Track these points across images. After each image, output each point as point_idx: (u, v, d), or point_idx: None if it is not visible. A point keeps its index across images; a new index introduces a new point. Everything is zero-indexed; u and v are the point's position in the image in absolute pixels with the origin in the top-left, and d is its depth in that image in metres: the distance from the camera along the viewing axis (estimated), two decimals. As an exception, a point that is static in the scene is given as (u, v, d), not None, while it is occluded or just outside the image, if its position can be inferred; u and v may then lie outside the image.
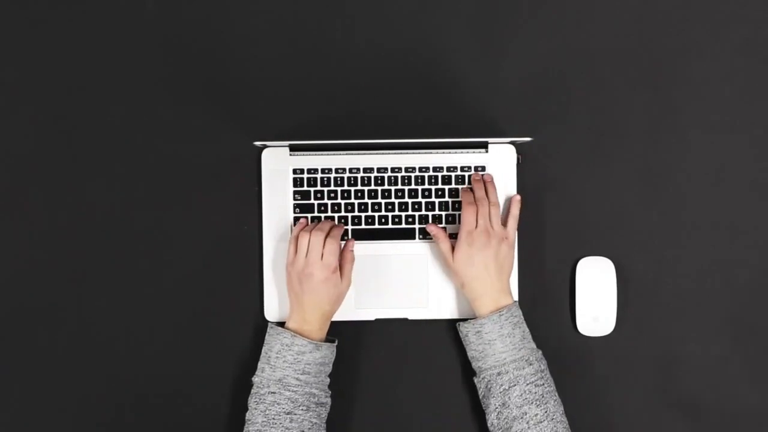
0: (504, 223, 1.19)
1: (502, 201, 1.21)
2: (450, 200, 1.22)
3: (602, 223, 1.24)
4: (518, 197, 1.20)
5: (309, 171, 1.22)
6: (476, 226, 1.15)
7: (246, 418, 1.13)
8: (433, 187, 1.22)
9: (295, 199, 1.22)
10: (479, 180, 1.20)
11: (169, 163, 1.23)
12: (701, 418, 1.23)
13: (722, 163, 1.24)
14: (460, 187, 1.22)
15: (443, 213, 1.22)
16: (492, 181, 1.20)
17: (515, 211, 1.20)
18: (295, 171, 1.22)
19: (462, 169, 1.22)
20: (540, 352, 1.15)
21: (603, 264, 1.23)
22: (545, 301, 1.24)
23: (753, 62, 1.24)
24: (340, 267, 1.16)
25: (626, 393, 1.23)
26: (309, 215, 1.22)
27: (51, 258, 1.23)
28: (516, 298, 1.21)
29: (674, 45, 1.24)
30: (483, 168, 1.22)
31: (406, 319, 1.23)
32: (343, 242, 1.19)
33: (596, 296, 1.22)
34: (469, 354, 1.16)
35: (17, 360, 1.23)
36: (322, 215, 1.22)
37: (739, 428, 1.23)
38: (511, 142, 1.22)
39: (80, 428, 1.23)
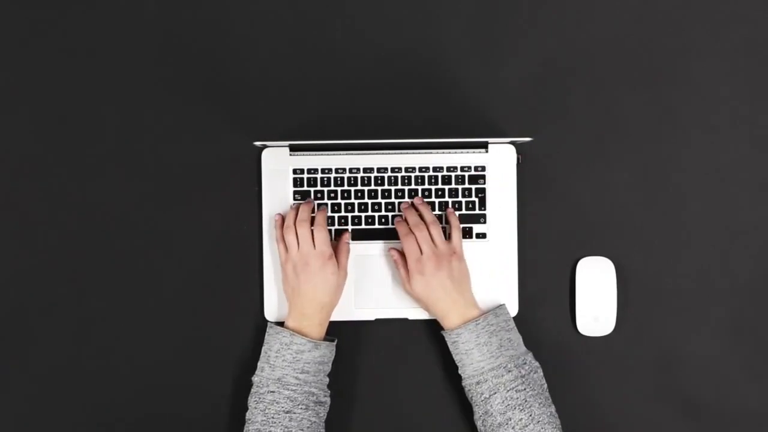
0: (448, 238, 1.19)
1: (502, 202, 1.21)
2: (450, 200, 1.22)
3: (602, 223, 1.24)
4: (451, 209, 1.20)
5: (309, 171, 1.22)
6: (422, 252, 1.15)
7: (246, 417, 1.13)
8: (433, 187, 1.22)
9: (295, 199, 1.22)
10: (408, 207, 1.20)
11: (169, 163, 1.24)
12: (701, 418, 1.23)
13: (722, 163, 1.24)
14: (460, 187, 1.22)
15: (443, 213, 1.22)
16: (422, 202, 1.20)
17: (455, 222, 1.19)
18: (295, 171, 1.22)
19: (462, 169, 1.22)
20: (526, 356, 1.13)
21: (603, 264, 1.23)
22: (545, 301, 1.24)
23: (753, 62, 1.24)
24: (337, 258, 1.17)
25: (626, 393, 1.23)
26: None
27: (51, 258, 1.23)
28: (516, 298, 1.21)
29: (674, 45, 1.24)
30: (483, 168, 1.22)
31: (406, 319, 1.23)
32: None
33: (596, 296, 1.22)
34: (454, 359, 1.17)
35: (17, 360, 1.23)
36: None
37: (739, 428, 1.23)
38: (511, 142, 1.22)
39: (80, 428, 1.23)
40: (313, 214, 1.19)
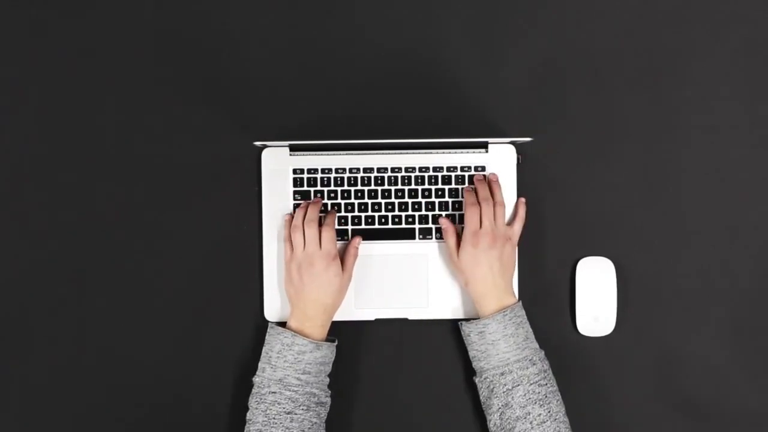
0: (510, 223, 1.19)
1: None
2: (450, 200, 1.22)
3: (602, 223, 1.24)
4: (524, 199, 1.21)
5: (309, 171, 1.22)
6: (480, 227, 1.15)
7: (247, 417, 1.13)
8: (433, 187, 1.22)
9: (295, 199, 1.22)
10: (482, 180, 1.20)
11: (170, 163, 1.23)
12: (701, 418, 1.23)
13: (722, 163, 1.24)
14: (461, 187, 1.22)
15: (443, 213, 1.22)
16: (497, 181, 1.20)
17: (522, 212, 1.20)
18: (295, 171, 1.22)
19: (462, 169, 1.22)
20: (542, 352, 1.15)
21: (603, 264, 1.23)
22: (545, 301, 1.24)
23: (753, 62, 1.24)
24: (343, 261, 1.17)
25: (626, 393, 1.23)
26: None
27: (51, 258, 1.23)
28: (516, 297, 1.21)
29: (674, 45, 1.24)
30: (483, 168, 1.22)
31: (406, 319, 1.23)
32: (344, 240, 1.20)
33: (596, 296, 1.22)
34: (471, 354, 1.16)
35: (17, 360, 1.23)
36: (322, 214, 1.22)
37: (739, 428, 1.23)
38: (511, 142, 1.22)
39: (80, 428, 1.23)
40: (321, 214, 1.19)
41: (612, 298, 1.22)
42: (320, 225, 1.17)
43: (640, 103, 1.24)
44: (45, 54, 1.24)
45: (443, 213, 1.22)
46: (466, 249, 1.16)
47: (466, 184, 1.22)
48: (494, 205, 1.17)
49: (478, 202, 1.17)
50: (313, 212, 1.17)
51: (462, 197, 1.21)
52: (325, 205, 1.22)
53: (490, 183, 1.20)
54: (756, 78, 1.24)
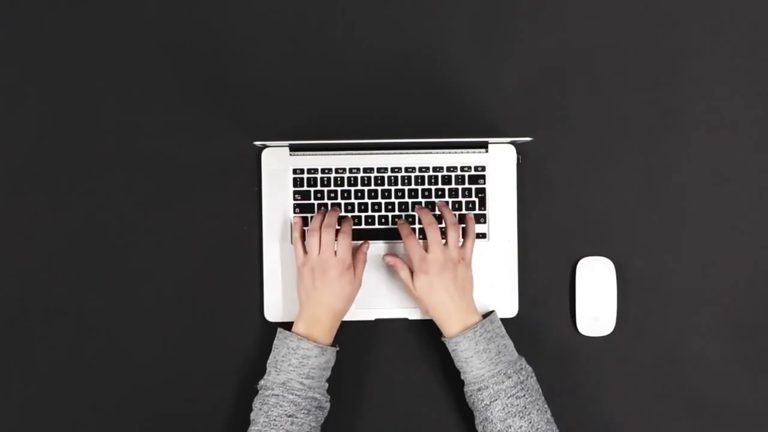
0: (462, 244, 1.18)
1: (502, 202, 1.21)
2: (450, 200, 1.22)
3: (602, 223, 1.24)
4: (471, 214, 1.20)
5: (309, 171, 1.22)
6: (428, 251, 1.15)
7: (250, 417, 1.13)
8: (433, 187, 1.22)
9: (295, 199, 1.22)
10: (423, 208, 1.20)
11: (170, 163, 1.23)
12: (701, 418, 1.23)
13: (722, 163, 1.24)
14: (460, 187, 1.22)
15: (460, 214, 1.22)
16: (445, 205, 1.20)
17: (471, 228, 1.19)
18: (295, 171, 1.22)
19: (462, 169, 1.22)
20: (521, 361, 1.14)
21: (603, 264, 1.23)
22: (545, 301, 1.24)
23: (753, 62, 1.24)
24: (353, 267, 1.16)
25: (626, 393, 1.23)
26: (309, 215, 1.22)
27: (51, 258, 1.23)
28: (516, 298, 1.21)
29: (674, 45, 1.25)
30: (483, 168, 1.22)
31: (406, 319, 1.23)
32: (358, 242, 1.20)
33: (596, 296, 1.22)
34: (455, 365, 1.17)
35: (17, 361, 1.23)
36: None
37: (739, 428, 1.23)
38: (511, 142, 1.22)
39: (80, 428, 1.23)
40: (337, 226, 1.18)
41: (612, 298, 1.22)
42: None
43: (640, 103, 1.24)
44: (45, 54, 1.24)
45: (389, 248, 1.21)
46: (419, 278, 1.15)
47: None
48: (447, 228, 1.16)
49: (412, 232, 1.17)
50: (332, 218, 1.17)
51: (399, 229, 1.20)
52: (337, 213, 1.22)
53: (439, 208, 1.19)
54: (756, 78, 1.24)
